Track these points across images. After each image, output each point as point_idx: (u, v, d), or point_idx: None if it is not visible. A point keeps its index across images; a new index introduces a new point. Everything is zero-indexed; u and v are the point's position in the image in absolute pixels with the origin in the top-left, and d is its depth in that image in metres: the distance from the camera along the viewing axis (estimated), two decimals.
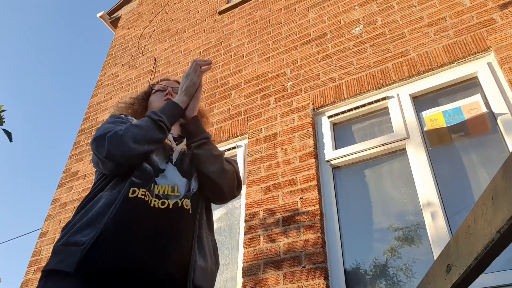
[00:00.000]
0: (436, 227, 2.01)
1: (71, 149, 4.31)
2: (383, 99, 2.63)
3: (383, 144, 2.43)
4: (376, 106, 2.65)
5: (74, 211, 1.23)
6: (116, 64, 5.02)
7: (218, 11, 4.38)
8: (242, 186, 1.50)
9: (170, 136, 1.29)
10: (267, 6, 3.96)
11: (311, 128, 2.71)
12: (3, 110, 3.24)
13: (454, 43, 2.53)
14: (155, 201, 1.09)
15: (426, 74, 2.55)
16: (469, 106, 2.26)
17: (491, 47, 2.36)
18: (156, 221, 1.06)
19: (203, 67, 1.30)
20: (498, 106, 2.17)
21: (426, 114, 2.38)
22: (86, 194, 1.17)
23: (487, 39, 2.41)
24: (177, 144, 1.28)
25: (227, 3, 4.46)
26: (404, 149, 2.38)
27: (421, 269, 2.01)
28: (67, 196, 3.76)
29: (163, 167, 1.18)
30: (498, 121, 2.14)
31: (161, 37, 4.82)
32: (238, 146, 3.05)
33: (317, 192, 2.38)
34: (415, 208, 2.17)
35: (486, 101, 2.24)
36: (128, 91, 4.40)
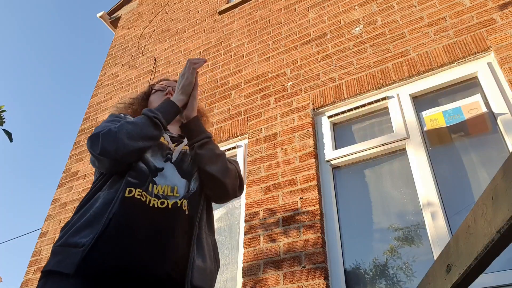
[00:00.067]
0: (436, 227, 2.01)
1: (71, 149, 4.31)
2: (383, 99, 2.63)
3: (383, 144, 2.43)
4: (376, 106, 2.65)
5: (74, 211, 1.23)
6: (116, 64, 5.02)
7: (218, 11, 4.38)
8: (244, 187, 1.50)
9: (167, 137, 1.29)
10: (267, 6, 3.96)
11: (311, 128, 2.71)
12: (4, 111, 3.24)
13: (454, 43, 2.53)
14: (154, 200, 1.09)
15: (426, 74, 2.55)
16: (469, 106, 2.26)
17: (491, 47, 2.36)
18: (155, 221, 1.06)
19: (196, 65, 1.31)
20: (498, 106, 2.17)
21: (426, 114, 2.38)
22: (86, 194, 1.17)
23: (487, 39, 2.41)
24: (176, 145, 1.28)
25: (227, 3, 4.46)
26: (404, 149, 2.38)
27: (421, 269, 2.01)
28: (67, 196, 3.76)
29: (160, 166, 1.17)
30: (498, 121, 2.14)
31: (161, 37, 4.82)
32: (238, 146, 3.05)
33: (317, 192, 2.38)
34: (415, 208, 2.17)
35: (486, 101, 2.24)
36: (128, 91, 4.40)
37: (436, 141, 2.33)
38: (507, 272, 1.73)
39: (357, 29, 3.09)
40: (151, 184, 1.12)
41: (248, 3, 4.18)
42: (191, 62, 1.30)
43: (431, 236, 2.00)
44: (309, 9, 3.55)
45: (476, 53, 2.41)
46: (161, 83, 1.54)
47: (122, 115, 1.32)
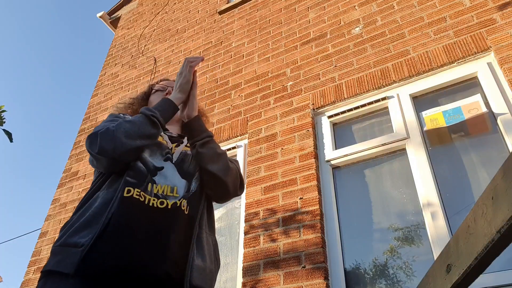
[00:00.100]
0: (436, 227, 2.01)
1: (71, 149, 4.31)
2: (383, 99, 2.63)
3: (383, 144, 2.43)
4: (376, 106, 2.65)
5: (73, 211, 1.24)
6: (116, 64, 5.02)
7: (218, 11, 4.38)
8: (244, 186, 1.51)
9: (166, 137, 1.29)
10: (267, 6, 3.96)
11: (311, 128, 2.71)
12: (4, 111, 3.24)
13: (454, 43, 2.53)
14: (154, 200, 1.09)
15: (426, 74, 2.55)
16: (469, 106, 2.26)
17: (491, 47, 2.36)
18: (154, 220, 1.06)
19: (193, 63, 1.31)
20: (498, 106, 2.17)
21: (426, 114, 2.38)
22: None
23: (487, 39, 2.41)
24: (177, 145, 1.28)
25: (227, 3, 4.46)
26: (404, 149, 2.38)
27: (421, 269, 2.01)
28: (67, 196, 3.76)
29: (160, 165, 1.17)
30: (498, 121, 2.14)
31: (161, 37, 4.82)
32: (238, 146, 3.05)
33: (317, 192, 2.38)
34: (415, 208, 2.17)
35: (486, 101, 2.24)
36: (128, 91, 4.40)
37: (436, 141, 2.33)
38: (507, 272, 1.73)
39: (357, 29, 3.09)
40: (150, 183, 1.12)
41: (248, 3, 4.18)
42: (188, 61, 1.31)
43: (431, 236, 2.00)
44: (309, 9, 3.55)
45: (476, 53, 2.41)
46: (161, 83, 1.55)
47: (122, 115, 1.32)
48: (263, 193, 2.59)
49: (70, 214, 3.54)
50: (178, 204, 1.12)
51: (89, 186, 1.33)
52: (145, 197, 1.08)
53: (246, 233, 2.48)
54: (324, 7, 3.45)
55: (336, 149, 2.62)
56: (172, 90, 1.47)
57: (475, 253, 0.66)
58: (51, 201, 3.85)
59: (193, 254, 1.08)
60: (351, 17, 3.20)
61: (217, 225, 2.77)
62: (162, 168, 1.17)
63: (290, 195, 2.46)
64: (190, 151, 1.27)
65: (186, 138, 1.34)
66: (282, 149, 2.73)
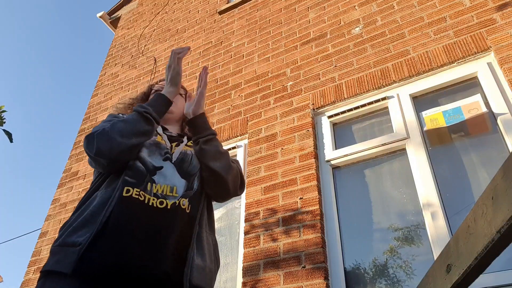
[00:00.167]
0: (436, 227, 2.01)
1: (71, 149, 4.31)
2: (383, 99, 2.63)
3: (383, 144, 2.43)
4: (376, 106, 2.65)
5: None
6: (116, 64, 5.02)
7: (218, 11, 4.38)
8: (245, 186, 1.51)
9: (165, 136, 1.29)
10: (267, 6, 3.96)
11: (311, 128, 2.71)
12: (4, 111, 3.24)
13: (454, 43, 2.53)
14: (153, 199, 1.09)
15: (426, 74, 2.55)
16: (469, 106, 2.26)
17: (491, 47, 2.36)
18: (153, 220, 1.06)
19: (180, 54, 1.31)
20: (498, 106, 2.17)
21: (426, 114, 2.38)
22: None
23: (487, 39, 2.41)
24: (177, 145, 1.28)
25: (227, 3, 4.46)
26: (404, 149, 2.38)
27: (421, 269, 2.01)
28: (67, 196, 3.76)
29: (159, 164, 1.17)
30: (498, 121, 2.14)
31: (161, 37, 4.82)
32: (238, 146, 3.05)
33: (317, 192, 2.38)
34: (415, 208, 2.17)
35: (486, 101, 2.24)
36: (128, 91, 4.40)
37: (436, 141, 2.33)
38: (507, 272, 1.73)
39: (357, 29, 3.09)
40: (149, 183, 1.12)
41: (248, 3, 4.18)
42: (175, 52, 1.31)
43: (431, 236, 2.00)
44: (309, 9, 3.55)
45: (476, 53, 2.41)
46: (160, 83, 1.55)
47: (121, 115, 1.32)
48: (263, 193, 2.59)
49: (70, 214, 3.53)
50: (177, 204, 1.12)
51: (89, 186, 1.33)
52: (144, 197, 1.08)
53: (246, 233, 2.48)
54: (324, 7, 3.45)
55: (336, 149, 2.62)
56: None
57: (475, 253, 0.66)
58: (51, 201, 3.86)
59: (193, 253, 1.08)
60: (351, 17, 3.20)
61: (217, 225, 2.77)
62: (161, 167, 1.17)
63: (290, 195, 2.46)
64: (193, 148, 1.27)
65: (186, 137, 1.35)
66: (282, 149, 2.73)
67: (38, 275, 3.27)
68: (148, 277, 0.99)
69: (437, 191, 2.10)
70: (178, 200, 1.12)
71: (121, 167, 1.13)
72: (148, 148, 1.19)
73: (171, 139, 1.30)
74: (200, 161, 1.24)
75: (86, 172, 3.84)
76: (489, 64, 2.35)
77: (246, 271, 2.30)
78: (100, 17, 5.93)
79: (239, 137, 3.09)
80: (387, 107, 2.61)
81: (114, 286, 0.97)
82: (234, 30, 4.02)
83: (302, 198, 2.41)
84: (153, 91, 1.52)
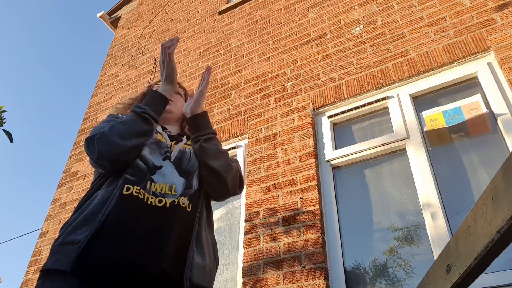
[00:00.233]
0: (436, 227, 2.01)
1: (71, 149, 4.31)
2: (383, 99, 2.63)
3: (383, 144, 2.43)
4: (376, 106, 2.65)
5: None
6: (116, 64, 5.02)
7: (218, 11, 4.38)
8: (244, 185, 1.51)
9: (165, 135, 1.29)
10: (267, 6, 3.96)
11: (311, 128, 2.71)
12: (4, 111, 3.24)
13: (454, 43, 2.53)
14: (152, 198, 1.09)
15: (426, 74, 2.55)
16: (469, 106, 2.26)
17: (491, 47, 2.36)
18: (152, 218, 1.06)
19: (170, 48, 1.28)
20: (498, 106, 2.17)
21: (426, 114, 2.38)
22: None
23: (487, 39, 2.41)
24: (176, 143, 1.28)
25: (227, 3, 4.46)
26: (404, 149, 2.38)
27: (421, 269, 2.01)
28: (67, 196, 3.76)
29: (159, 164, 1.17)
30: (498, 121, 2.14)
31: (161, 37, 4.82)
32: (238, 146, 3.05)
33: (317, 192, 2.38)
34: (415, 208, 2.17)
35: (486, 101, 2.24)
36: (128, 91, 4.40)
37: (436, 141, 2.33)
38: (507, 272, 1.73)
39: (357, 29, 3.09)
40: (149, 182, 1.12)
41: (248, 3, 4.18)
42: (165, 47, 1.28)
43: (431, 236, 2.00)
44: (309, 9, 3.55)
45: (476, 53, 2.41)
46: (160, 83, 1.55)
47: (120, 115, 1.32)
48: (263, 193, 2.59)
49: (70, 214, 3.54)
50: (176, 202, 1.12)
51: (89, 186, 1.33)
52: (144, 195, 1.08)
53: (246, 233, 2.48)
54: (324, 7, 3.45)
55: (336, 149, 2.62)
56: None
57: (475, 253, 0.66)
58: (51, 201, 3.86)
59: (193, 252, 1.08)
60: (351, 17, 3.20)
61: (217, 225, 2.77)
62: (160, 167, 1.17)
63: (290, 195, 2.46)
64: (192, 146, 1.27)
65: (185, 137, 1.35)
66: (282, 149, 2.73)
67: (38, 275, 3.27)
68: (148, 277, 0.99)
69: (437, 191, 2.10)
70: (177, 198, 1.12)
71: (123, 167, 1.13)
72: (149, 147, 1.19)
73: (170, 138, 1.30)
74: (199, 160, 1.24)
75: (86, 172, 3.84)
76: (489, 64, 2.35)
77: (246, 271, 2.30)
78: (100, 17, 5.93)
79: (239, 137, 3.09)
80: (387, 107, 2.61)
81: (114, 285, 0.97)
82: (234, 30, 4.02)
83: (302, 198, 2.41)
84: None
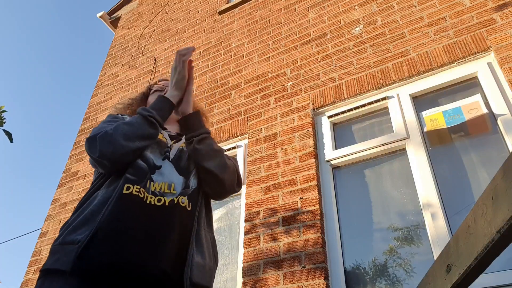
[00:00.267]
0: (436, 227, 2.01)
1: (71, 149, 4.31)
2: (383, 99, 2.63)
3: (383, 144, 2.43)
4: (376, 106, 2.65)
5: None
6: (116, 64, 5.02)
7: (218, 11, 4.38)
8: (243, 183, 1.50)
9: (165, 134, 1.29)
10: (267, 6, 3.96)
11: (311, 128, 2.71)
12: (4, 111, 3.24)
13: (454, 43, 2.53)
14: (151, 198, 1.09)
15: (426, 74, 2.55)
16: (469, 106, 2.26)
17: (491, 47, 2.36)
18: (152, 218, 1.06)
19: (185, 56, 1.28)
20: (498, 106, 2.17)
21: (426, 114, 2.38)
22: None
23: (487, 39, 2.41)
24: (174, 142, 1.28)
25: (227, 3, 4.46)
26: (404, 149, 2.38)
27: (421, 269, 2.01)
28: (67, 196, 3.76)
29: (159, 163, 1.18)
30: (498, 121, 2.14)
31: (161, 37, 4.82)
32: (238, 146, 3.05)
33: (317, 192, 2.38)
34: (415, 208, 2.17)
35: (486, 101, 2.24)
36: (128, 91, 4.40)
37: (436, 141, 2.33)
38: (507, 272, 1.73)
39: (357, 29, 3.09)
40: (148, 181, 1.12)
41: (248, 3, 4.18)
42: (180, 54, 1.28)
43: (431, 236, 2.00)
44: (309, 9, 3.55)
45: (476, 53, 2.41)
46: (159, 83, 1.55)
47: (120, 115, 1.32)
48: (263, 193, 2.59)
49: (70, 214, 3.54)
50: (175, 202, 1.12)
51: (89, 186, 1.33)
52: (144, 194, 1.08)
53: (246, 233, 2.48)
54: (324, 7, 3.45)
55: (336, 149, 2.62)
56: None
57: (475, 253, 0.66)
58: (51, 201, 3.86)
59: (193, 251, 1.08)
60: (351, 17, 3.20)
61: (217, 225, 2.77)
62: (160, 167, 1.17)
63: (290, 195, 2.46)
64: (186, 148, 1.27)
65: (184, 136, 1.34)
66: (282, 149, 2.73)
67: (38, 275, 3.27)
68: (147, 276, 0.99)
69: (437, 191, 2.10)
70: (176, 197, 1.12)
71: (122, 168, 1.13)
72: (150, 146, 1.19)
73: (170, 137, 1.30)
74: (194, 162, 1.23)
75: (86, 172, 3.84)
76: (489, 64, 2.35)
77: (246, 271, 2.30)
78: (100, 17, 5.93)
79: (239, 137, 3.09)
80: (387, 107, 2.61)
81: (114, 285, 0.97)
82: (234, 30, 4.02)
83: (302, 198, 2.41)
84: (152, 91, 1.51)
